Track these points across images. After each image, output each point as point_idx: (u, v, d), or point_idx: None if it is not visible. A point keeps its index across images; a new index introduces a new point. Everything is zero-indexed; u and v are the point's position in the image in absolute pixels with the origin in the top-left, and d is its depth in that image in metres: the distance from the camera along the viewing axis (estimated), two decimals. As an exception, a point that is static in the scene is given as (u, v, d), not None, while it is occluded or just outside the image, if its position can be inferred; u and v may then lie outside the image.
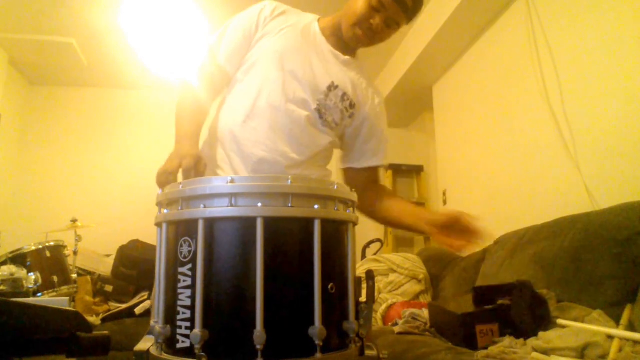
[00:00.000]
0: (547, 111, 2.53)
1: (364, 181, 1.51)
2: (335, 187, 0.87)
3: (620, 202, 1.81)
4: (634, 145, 1.99)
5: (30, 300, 2.61)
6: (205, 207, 0.80)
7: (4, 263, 2.91)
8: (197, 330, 0.74)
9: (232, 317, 0.77)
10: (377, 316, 2.93)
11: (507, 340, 1.57)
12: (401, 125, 5.08)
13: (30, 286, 2.78)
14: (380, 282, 3.23)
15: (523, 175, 2.77)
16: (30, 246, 3.07)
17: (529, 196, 2.70)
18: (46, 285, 2.97)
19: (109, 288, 3.49)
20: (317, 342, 0.74)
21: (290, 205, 0.78)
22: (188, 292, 0.78)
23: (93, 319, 3.10)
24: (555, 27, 2.52)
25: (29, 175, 4.58)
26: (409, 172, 4.91)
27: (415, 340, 1.91)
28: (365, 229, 4.85)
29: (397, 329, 2.17)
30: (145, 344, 0.82)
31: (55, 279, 3.06)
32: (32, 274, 2.82)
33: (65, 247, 3.30)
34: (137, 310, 3.18)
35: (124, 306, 3.28)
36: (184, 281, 0.79)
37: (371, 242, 4.40)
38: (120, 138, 4.74)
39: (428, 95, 4.24)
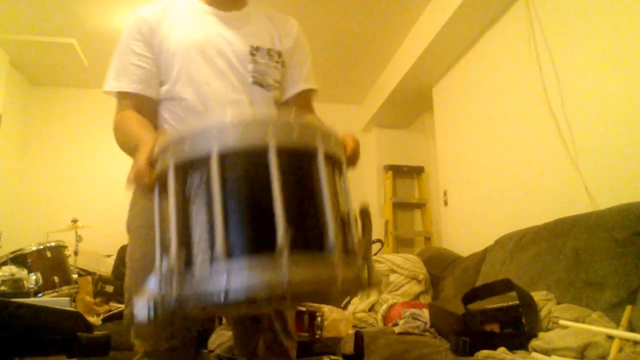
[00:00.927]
0: (546, 112, 2.53)
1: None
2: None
3: (620, 202, 1.81)
4: (633, 145, 1.99)
5: (31, 300, 2.61)
6: (213, 138, 0.79)
7: (4, 263, 2.92)
8: (220, 241, 0.72)
9: (253, 224, 0.77)
10: (378, 316, 2.94)
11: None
12: (401, 126, 5.08)
13: (31, 286, 2.79)
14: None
15: (523, 176, 2.77)
16: (31, 246, 3.08)
17: (529, 197, 2.70)
18: (47, 286, 2.98)
19: (109, 288, 3.50)
20: (331, 236, 0.76)
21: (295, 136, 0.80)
22: (203, 217, 0.77)
23: (94, 319, 3.10)
24: (554, 29, 2.52)
25: (30, 176, 4.59)
26: (409, 172, 4.91)
27: (416, 341, 1.91)
28: (366, 230, 4.85)
29: (397, 329, 2.17)
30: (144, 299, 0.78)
31: (56, 279, 3.06)
32: (32, 274, 2.83)
33: (66, 247, 3.31)
34: (138, 311, 3.18)
35: (124, 306, 3.29)
36: (198, 211, 0.79)
37: (372, 242, 4.40)
38: (121, 138, 4.74)
39: (428, 96, 4.24)
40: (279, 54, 1.39)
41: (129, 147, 1.21)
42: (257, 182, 0.78)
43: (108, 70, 1.35)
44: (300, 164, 0.82)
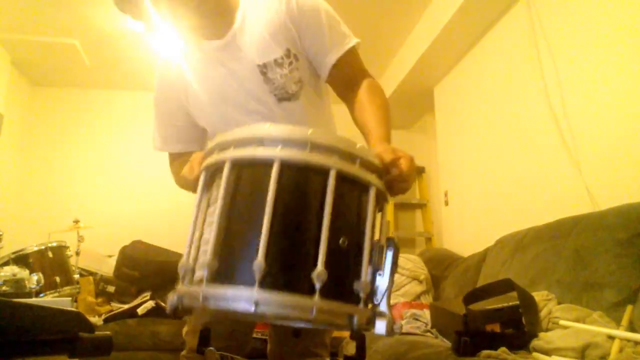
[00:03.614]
0: (547, 112, 2.53)
1: (338, 89, 1.31)
2: (358, 146, 0.84)
3: (621, 203, 1.81)
4: (634, 146, 1.99)
5: (33, 300, 2.61)
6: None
7: (6, 264, 2.92)
8: (209, 258, 0.76)
9: (241, 248, 0.78)
10: (379, 317, 2.94)
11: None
12: (403, 127, 5.09)
13: (33, 287, 2.78)
14: (381, 282, 3.23)
15: (524, 176, 2.77)
16: (33, 247, 3.08)
17: (530, 197, 2.70)
18: (49, 286, 2.98)
19: (111, 289, 3.51)
20: (317, 284, 0.73)
21: (309, 152, 0.79)
22: (210, 228, 0.80)
23: (95, 320, 3.11)
24: (555, 29, 2.52)
25: (32, 176, 4.59)
26: (410, 173, 4.91)
27: (417, 341, 1.91)
28: (367, 230, 4.85)
29: (398, 330, 2.17)
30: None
31: (58, 279, 3.07)
32: (34, 274, 2.82)
33: (67, 247, 3.31)
34: (140, 311, 3.19)
35: (126, 306, 3.30)
36: (208, 220, 0.83)
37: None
38: (123, 139, 4.75)
39: (429, 97, 4.24)
40: (287, 53, 1.23)
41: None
42: (310, 201, 0.79)
43: (153, 128, 1.40)
44: (348, 192, 0.82)
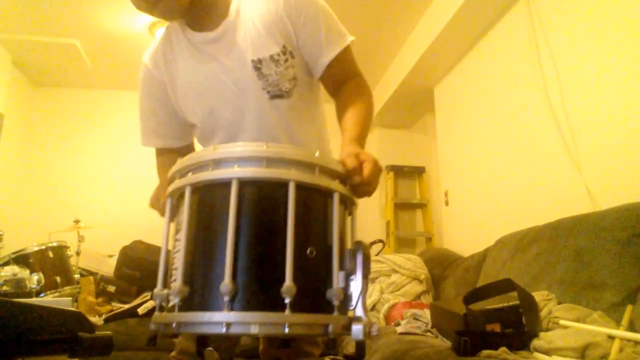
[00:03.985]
0: (548, 112, 2.53)
1: (329, 87, 1.31)
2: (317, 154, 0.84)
3: (621, 203, 1.81)
4: (635, 146, 1.99)
5: (33, 300, 2.61)
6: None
7: (7, 263, 2.92)
8: (179, 285, 0.76)
9: (208, 272, 0.78)
10: (380, 316, 2.94)
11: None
12: (403, 127, 5.08)
13: (33, 286, 2.79)
14: (382, 282, 3.24)
15: (524, 176, 2.77)
16: (33, 247, 3.09)
17: (530, 197, 2.70)
18: (49, 286, 2.98)
19: (111, 288, 3.51)
20: (286, 299, 0.73)
21: (265, 167, 0.80)
22: (178, 255, 0.81)
23: (96, 319, 3.11)
24: (556, 29, 2.52)
25: (32, 176, 4.60)
26: (410, 173, 4.91)
27: (417, 341, 1.91)
28: (367, 230, 4.85)
29: (399, 329, 2.18)
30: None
31: (58, 279, 3.07)
32: (35, 274, 2.83)
33: (67, 247, 3.32)
34: (140, 311, 3.19)
35: (126, 306, 3.30)
36: (176, 247, 0.83)
37: (373, 242, 4.36)
38: (123, 139, 4.75)
39: (430, 96, 4.24)
40: (284, 49, 1.21)
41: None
42: (272, 215, 0.79)
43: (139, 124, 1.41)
44: (312, 202, 0.82)
